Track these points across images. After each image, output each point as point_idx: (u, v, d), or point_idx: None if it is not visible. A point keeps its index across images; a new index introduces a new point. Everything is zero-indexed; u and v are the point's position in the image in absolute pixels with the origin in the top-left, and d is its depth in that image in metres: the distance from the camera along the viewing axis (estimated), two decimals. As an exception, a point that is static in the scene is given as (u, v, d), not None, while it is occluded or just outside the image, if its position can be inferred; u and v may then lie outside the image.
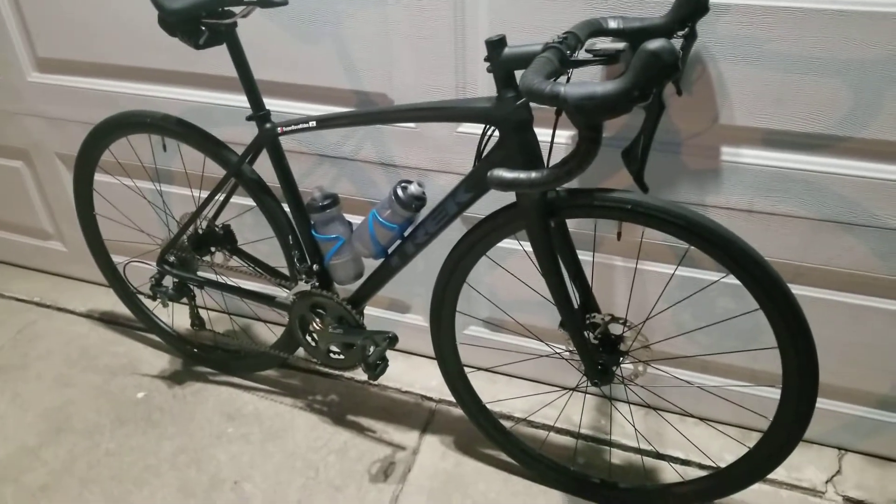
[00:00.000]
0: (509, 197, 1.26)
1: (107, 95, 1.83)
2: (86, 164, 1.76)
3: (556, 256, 1.24)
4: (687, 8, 1.16)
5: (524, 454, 1.56)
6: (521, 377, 1.85)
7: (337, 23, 1.48)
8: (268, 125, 1.42)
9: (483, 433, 1.59)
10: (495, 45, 1.11)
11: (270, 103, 1.57)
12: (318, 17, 1.49)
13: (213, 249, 1.71)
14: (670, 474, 1.58)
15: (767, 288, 1.10)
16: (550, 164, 0.98)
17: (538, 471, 1.56)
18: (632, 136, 1.13)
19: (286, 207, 1.53)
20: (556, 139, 1.35)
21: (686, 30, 1.17)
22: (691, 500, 1.39)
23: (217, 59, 1.65)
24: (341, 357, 1.61)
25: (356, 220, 1.50)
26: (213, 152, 1.55)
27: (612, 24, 1.16)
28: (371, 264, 1.50)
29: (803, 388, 1.16)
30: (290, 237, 1.55)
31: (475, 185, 1.25)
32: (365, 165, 1.65)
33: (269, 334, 2.05)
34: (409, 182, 1.35)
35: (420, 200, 1.36)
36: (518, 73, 1.09)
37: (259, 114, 1.42)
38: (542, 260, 1.24)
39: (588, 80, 0.89)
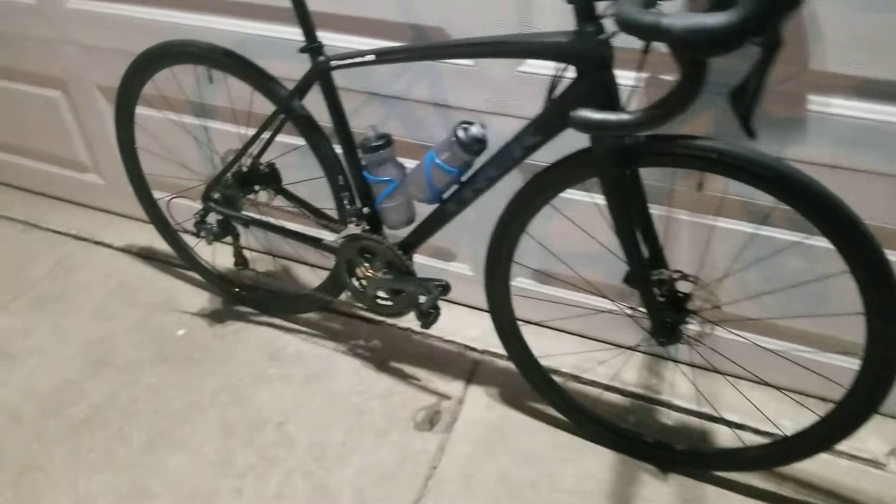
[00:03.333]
0: (577, 142, 1.19)
1: (149, 24, 1.77)
2: (127, 96, 1.72)
3: (628, 207, 1.18)
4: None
5: (574, 410, 1.54)
6: (570, 332, 1.82)
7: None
8: (321, 58, 1.36)
9: (532, 387, 1.57)
10: None
11: (320, 36, 1.51)
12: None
13: (257, 188, 1.67)
14: (725, 438, 1.55)
15: (865, 254, 1.04)
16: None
17: (589, 428, 1.54)
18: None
19: (336, 147, 1.48)
20: (627, 82, 1.27)
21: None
22: (752, 466, 1.37)
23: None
24: (388, 303, 1.58)
25: (407, 163, 1.45)
26: (261, 86, 1.49)
27: None
28: (423, 209, 1.45)
29: (888, 359, 1.10)
30: (339, 178, 1.50)
31: (545, 127, 1.19)
32: (416, 105, 1.59)
33: (311, 276, 2.03)
34: (471, 123, 1.29)
35: (481, 143, 1.30)
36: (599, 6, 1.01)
37: (312, 45, 1.35)
38: (613, 211, 1.19)
39: (683, 11, 0.81)
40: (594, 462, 1.50)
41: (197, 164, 2.00)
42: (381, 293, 1.58)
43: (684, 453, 1.45)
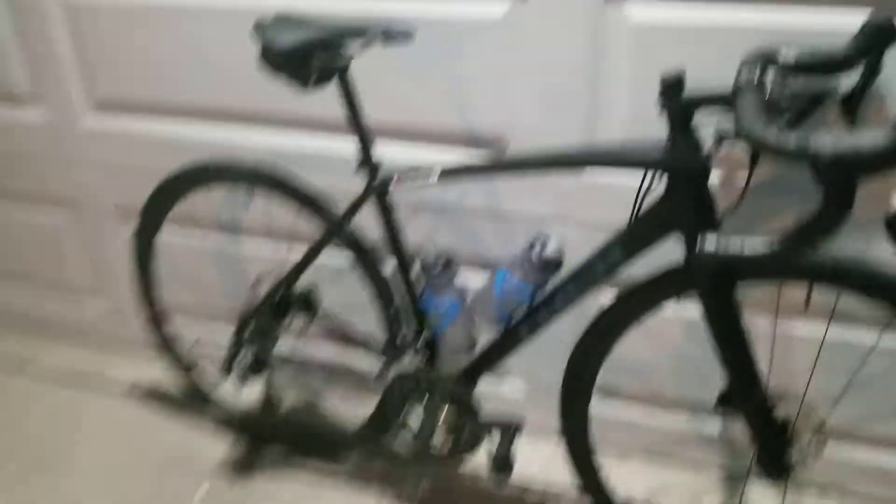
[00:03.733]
0: (667, 255, 1.10)
1: (176, 140, 1.69)
2: (152, 219, 1.60)
3: (737, 324, 1.08)
4: (872, 36, 1.03)
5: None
6: (646, 458, 1.66)
7: (452, 57, 1.36)
8: (379, 178, 1.28)
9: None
10: (673, 85, 0.97)
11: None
12: (432, 53, 1.36)
13: (291, 316, 1.55)
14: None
15: None
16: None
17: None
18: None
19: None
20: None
21: (871, 60, 1.04)
22: None
23: (310, 99, 1.53)
24: (447, 446, 1.42)
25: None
26: (312, 209, 1.40)
27: (787, 55, 1.03)
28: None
29: None
30: (392, 304, 1.39)
31: (634, 244, 1.10)
32: (470, 214, 1.50)
33: (351, 413, 1.84)
34: (547, 239, 1.20)
35: (559, 261, 1.20)
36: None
37: (370, 165, 1.28)
38: (713, 327, 1.08)
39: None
40: None
41: (223, 289, 1.88)
42: (437, 433, 1.43)
43: None
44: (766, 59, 0.99)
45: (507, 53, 1.32)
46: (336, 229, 1.36)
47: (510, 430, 1.32)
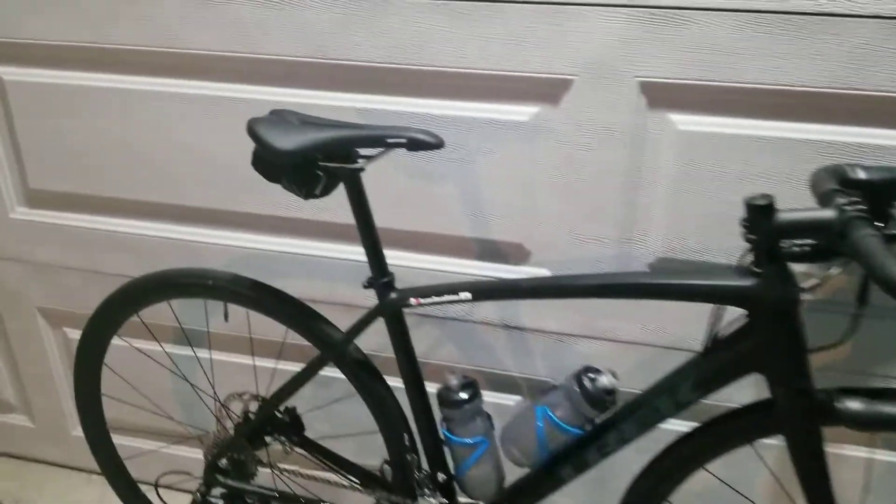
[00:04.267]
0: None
1: (128, 239, 1.46)
2: (100, 332, 1.34)
3: (821, 456, 0.95)
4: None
5: None
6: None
7: (467, 160, 1.21)
8: (393, 295, 1.09)
9: None
10: (762, 210, 0.84)
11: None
12: (442, 154, 1.21)
13: (269, 440, 1.32)
14: None
15: None
16: None
17: None
18: None
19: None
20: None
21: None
22: None
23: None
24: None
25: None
26: (306, 327, 1.19)
27: (860, 174, 0.93)
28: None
29: None
30: (404, 436, 1.19)
31: (710, 382, 0.96)
32: (480, 327, 1.34)
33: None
34: (597, 371, 1.05)
35: (612, 395, 1.05)
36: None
37: (382, 280, 1.09)
38: (802, 463, 0.95)
39: None
40: None
41: (184, 408, 1.63)
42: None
43: None
44: (841, 179, 0.89)
45: (532, 158, 1.19)
46: (336, 352, 1.16)
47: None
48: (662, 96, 1.07)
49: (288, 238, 1.38)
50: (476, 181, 1.22)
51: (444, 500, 1.19)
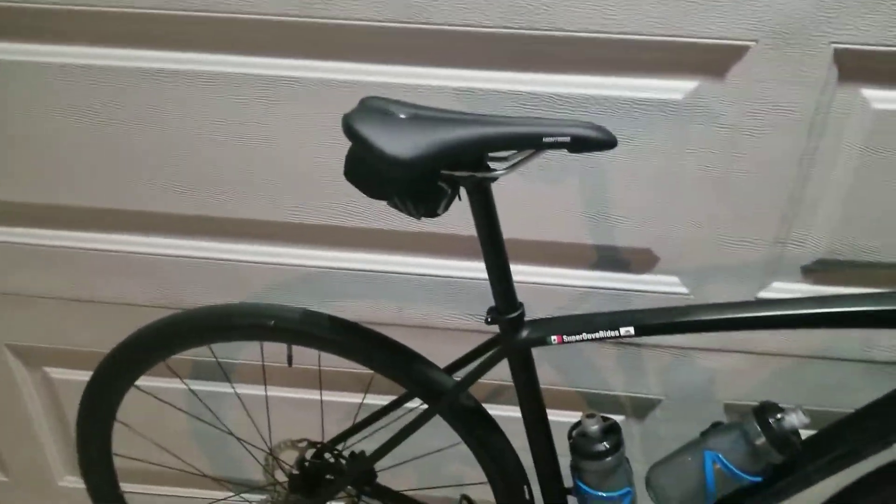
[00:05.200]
0: None
1: (122, 259, 1.15)
2: (117, 379, 1.03)
3: None
4: None
5: None
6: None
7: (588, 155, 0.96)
8: (524, 333, 0.87)
9: None
10: None
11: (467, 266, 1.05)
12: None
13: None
14: None
15: None
16: None
17: None
18: None
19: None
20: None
21: None
22: None
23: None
24: None
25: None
26: (405, 374, 0.95)
27: None
28: None
29: None
30: (524, 489, 0.99)
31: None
32: (588, 346, 1.14)
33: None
34: (779, 408, 0.86)
35: (798, 436, 0.87)
36: None
37: (511, 315, 0.86)
38: None
39: None
40: None
41: (211, 458, 1.36)
42: None
43: None
44: None
45: (680, 146, 0.96)
46: (448, 401, 0.93)
47: None
48: (859, 66, 0.86)
49: (349, 252, 1.12)
50: (603, 176, 0.99)
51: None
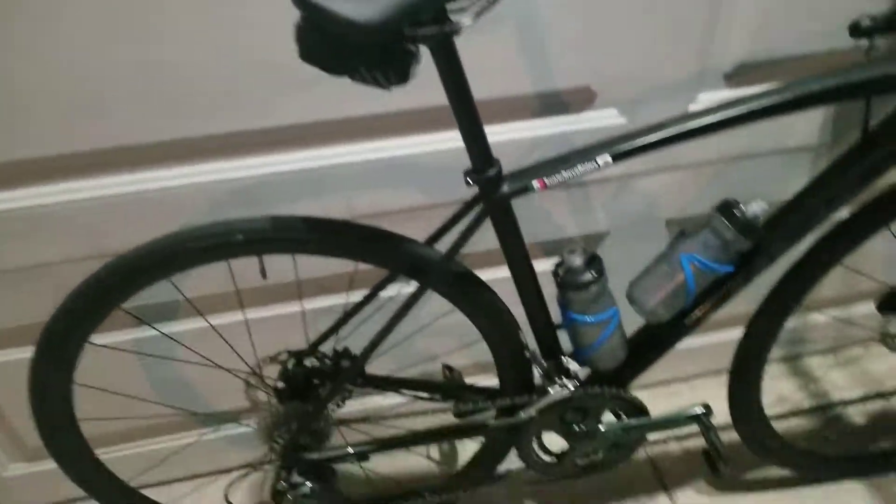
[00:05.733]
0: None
1: (22, 216, 1.02)
2: (70, 337, 0.94)
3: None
4: None
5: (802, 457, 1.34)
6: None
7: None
8: (506, 187, 0.88)
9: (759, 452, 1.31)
10: None
11: (411, 141, 1.03)
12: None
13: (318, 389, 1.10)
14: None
15: None
16: None
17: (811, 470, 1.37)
18: None
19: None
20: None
21: None
22: None
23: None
24: (596, 460, 1.18)
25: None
26: (392, 258, 0.93)
27: None
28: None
29: None
30: (519, 334, 1.04)
31: (874, 168, 0.91)
32: (537, 196, 1.16)
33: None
34: (737, 202, 0.95)
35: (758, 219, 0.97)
36: None
37: (489, 174, 0.86)
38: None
39: None
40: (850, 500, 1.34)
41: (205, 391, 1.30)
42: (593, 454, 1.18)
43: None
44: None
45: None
46: (439, 272, 0.94)
47: (703, 419, 1.11)
48: None
49: (282, 154, 1.06)
50: (536, 18, 0.98)
51: (576, 382, 1.08)
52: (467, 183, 0.87)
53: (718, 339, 1.43)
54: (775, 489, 1.37)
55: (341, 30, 0.68)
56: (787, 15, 1.06)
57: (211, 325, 1.14)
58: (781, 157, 1.21)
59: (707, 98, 1.11)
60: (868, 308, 1.26)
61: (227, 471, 1.45)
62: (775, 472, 1.39)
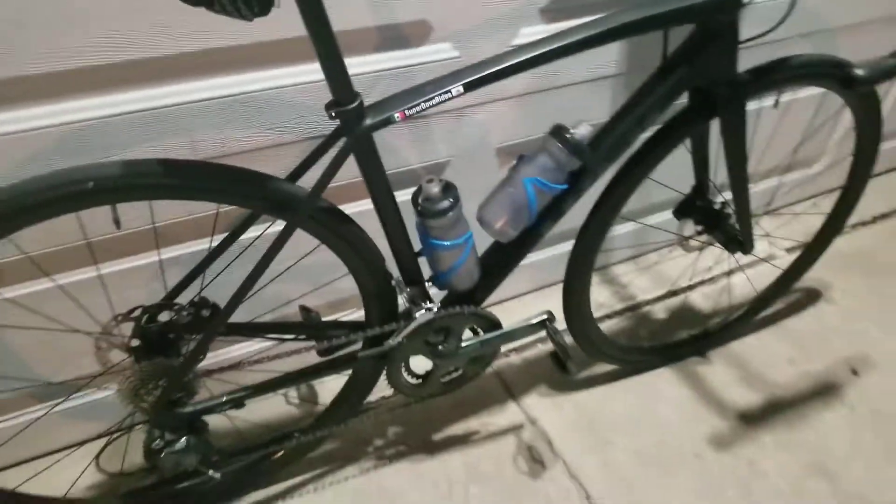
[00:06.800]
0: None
1: None
2: None
3: (744, 128, 1.21)
4: None
5: (622, 352, 1.59)
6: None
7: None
8: (368, 120, 0.93)
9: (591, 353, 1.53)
10: None
11: (239, 80, 1.05)
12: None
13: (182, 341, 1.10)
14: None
15: None
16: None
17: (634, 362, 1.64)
18: None
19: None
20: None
21: None
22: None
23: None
24: (457, 375, 1.31)
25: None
26: (257, 197, 0.94)
27: None
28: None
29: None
30: (384, 265, 1.11)
31: (670, 93, 1.10)
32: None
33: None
34: (566, 127, 1.09)
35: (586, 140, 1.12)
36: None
37: (353, 104, 0.91)
38: (734, 144, 1.21)
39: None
40: (663, 384, 1.62)
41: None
42: (453, 371, 1.30)
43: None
44: None
45: None
46: (306, 210, 0.97)
47: (548, 323, 1.28)
48: None
49: (114, 95, 1.01)
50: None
51: (437, 304, 1.19)
52: (330, 116, 0.92)
53: (546, 255, 1.63)
54: (602, 384, 1.62)
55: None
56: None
57: (59, 285, 1.08)
58: (590, 86, 1.40)
59: (528, 32, 1.24)
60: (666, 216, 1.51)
61: (81, 443, 1.39)
62: (600, 368, 1.64)
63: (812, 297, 1.87)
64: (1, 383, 1.19)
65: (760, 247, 2.00)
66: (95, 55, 0.95)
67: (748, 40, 1.08)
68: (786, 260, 1.93)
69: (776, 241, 2.04)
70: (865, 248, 2.05)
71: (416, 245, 1.13)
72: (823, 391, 1.61)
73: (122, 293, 1.12)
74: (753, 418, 1.54)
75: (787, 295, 1.86)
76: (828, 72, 1.17)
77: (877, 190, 2.25)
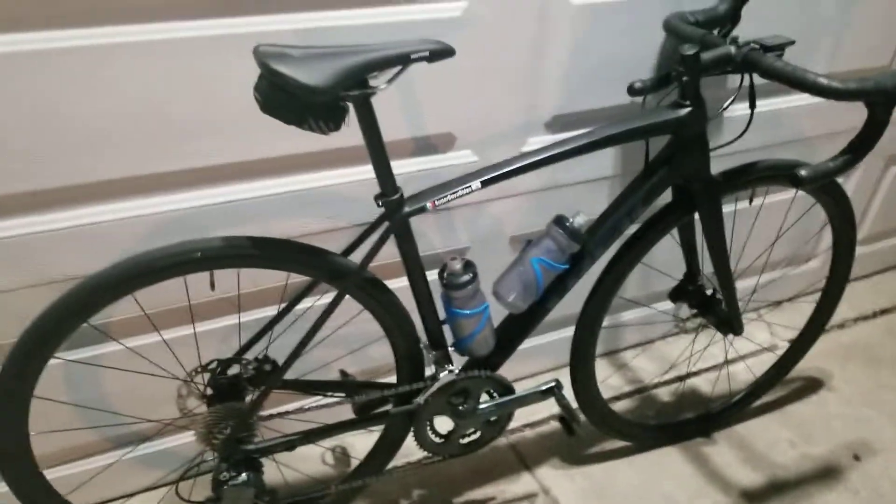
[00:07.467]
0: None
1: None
2: (35, 356, 1.11)
3: (722, 221, 1.44)
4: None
5: (632, 428, 1.77)
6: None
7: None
8: (407, 208, 1.20)
9: (601, 428, 1.72)
10: (694, 59, 1.20)
11: (306, 178, 1.34)
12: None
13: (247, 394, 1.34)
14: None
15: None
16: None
17: (644, 439, 1.81)
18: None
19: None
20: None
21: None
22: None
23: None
24: (475, 437, 1.51)
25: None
26: (317, 267, 1.21)
27: (693, 18, 1.40)
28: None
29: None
30: (414, 330, 1.35)
31: (653, 191, 1.36)
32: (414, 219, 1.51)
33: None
34: (566, 217, 1.35)
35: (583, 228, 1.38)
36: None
37: (395, 196, 1.19)
38: (714, 235, 1.45)
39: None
40: (669, 461, 1.79)
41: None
42: (472, 431, 1.50)
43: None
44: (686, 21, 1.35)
45: (462, 48, 1.34)
46: (354, 279, 1.23)
47: (556, 389, 1.49)
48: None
49: (207, 189, 1.32)
50: (412, 84, 1.35)
51: (457, 368, 1.41)
52: (378, 204, 1.19)
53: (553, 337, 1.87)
54: (612, 459, 1.78)
55: (297, 91, 0.99)
56: (585, 81, 1.51)
57: (163, 338, 1.36)
58: (590, 185, 1.67)
59: (534, 141, 1.53)
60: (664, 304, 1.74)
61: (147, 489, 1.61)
62: (610, 444, 1.82)
63: (814, 385, 2.04)
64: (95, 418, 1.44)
65: (763, 336, 2.20)
66: (202, 160, 1.27)
67: (716, 148, 1.36)
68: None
69: (777, 332, 2.24)
70: (866, 341, 2.23)
71: (441, 315, 1.37)
72: (826, 474, 1.76)
73: (205, 349, 1.40)
74: (757, 497, 1.69)
75: (790, 383, 2.04)
76: (780, 173, 1.43)
77: (879, 286, 2.47)
